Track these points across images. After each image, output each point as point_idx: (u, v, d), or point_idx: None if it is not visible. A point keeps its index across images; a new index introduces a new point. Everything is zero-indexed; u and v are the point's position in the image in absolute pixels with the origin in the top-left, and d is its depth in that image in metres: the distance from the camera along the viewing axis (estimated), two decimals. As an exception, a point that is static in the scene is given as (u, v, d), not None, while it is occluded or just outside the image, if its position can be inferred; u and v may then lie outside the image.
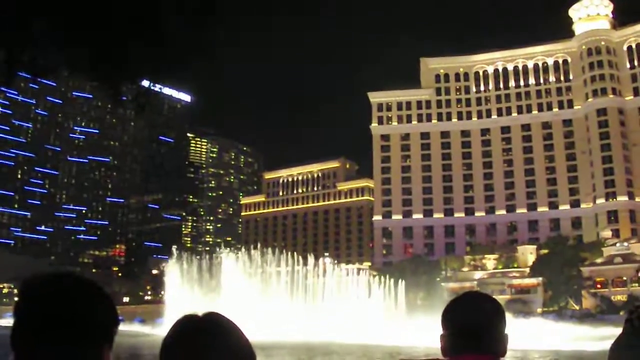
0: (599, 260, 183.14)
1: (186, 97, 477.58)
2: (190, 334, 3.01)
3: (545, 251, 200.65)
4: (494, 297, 4.76)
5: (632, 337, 4.27)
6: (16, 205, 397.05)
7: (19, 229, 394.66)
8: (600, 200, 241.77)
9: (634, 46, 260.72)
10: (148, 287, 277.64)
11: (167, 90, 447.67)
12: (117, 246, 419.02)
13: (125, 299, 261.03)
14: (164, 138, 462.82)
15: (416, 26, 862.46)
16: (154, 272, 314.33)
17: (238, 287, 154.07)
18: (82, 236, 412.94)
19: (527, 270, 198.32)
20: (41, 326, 2.76)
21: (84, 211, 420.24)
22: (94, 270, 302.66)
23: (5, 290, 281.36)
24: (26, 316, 2.85)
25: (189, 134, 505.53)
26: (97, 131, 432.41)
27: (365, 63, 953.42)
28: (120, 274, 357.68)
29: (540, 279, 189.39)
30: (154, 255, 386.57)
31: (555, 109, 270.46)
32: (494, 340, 4.44)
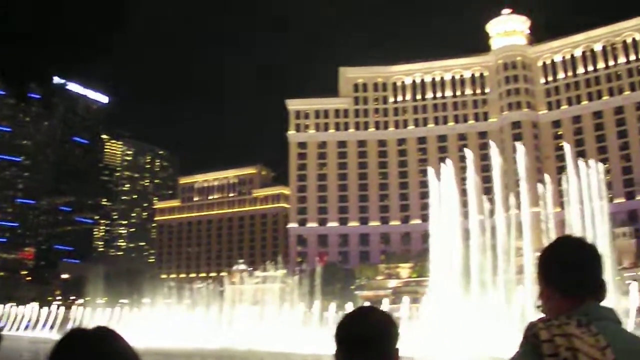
0: (511, 270, 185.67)
1: (103, 98, 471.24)
2: (75, 349, 2.93)
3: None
4: (385, 310, 4.71)
5: (528, 355, 4.18)
6: None
7: None
8: (513, 211, 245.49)
9: (548, 62, 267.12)
10: (57, 292, 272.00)
11: (83, 91, 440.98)
12: (26, 249, 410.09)
13: (33, 304, 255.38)
14: (78, 139, 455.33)
15: (336, 35, 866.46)
16: (65, 276, 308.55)
17: (154, 294, 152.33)
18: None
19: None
20: None
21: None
22: (1, 274, 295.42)
23: None
24: None
25: (104, 136, 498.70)
26: (9, 129, 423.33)
27: (284, 69, 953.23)
28: (29, 278, 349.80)
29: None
30: (65, 259, 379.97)
31: (471, 121, 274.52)
32: (382, 354, 4.43)
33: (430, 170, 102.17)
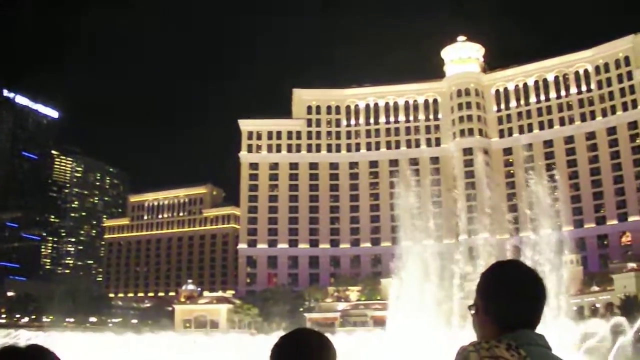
0: (461, 295, 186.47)
1: (53, 113, 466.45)
2: None
3: (406, 285, 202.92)
4: (322, 333, 4.69)
5: None
6: None
7: None
8: (463, 237, 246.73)
9: (501, 90, 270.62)
10: (2, 310, 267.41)
11: (32, 105, 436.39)
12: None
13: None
14: (26, 154, 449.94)
15: (290, 57, 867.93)
16: (10, 294, 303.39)
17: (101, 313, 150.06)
18: None
19: (390, 302, 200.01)
20: None
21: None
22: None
23: None
24: None
25: (53, 152, 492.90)
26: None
27: (237, 88, 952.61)
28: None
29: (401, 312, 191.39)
30: (11, 276, 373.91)
31: (424, 146, 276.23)
32: None
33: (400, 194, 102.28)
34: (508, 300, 4.73)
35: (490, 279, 4.89)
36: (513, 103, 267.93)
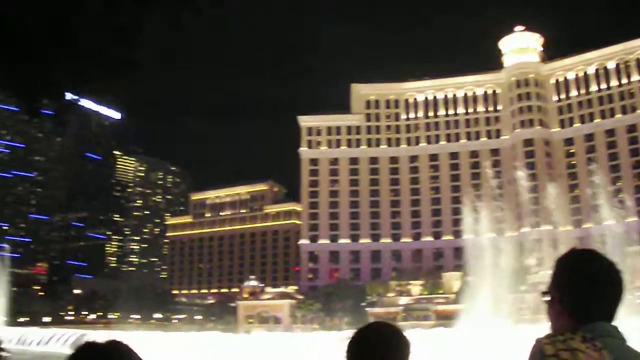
0: (523, 288, 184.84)
1: (115, 115, 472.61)
2: None
3: (470, 278, 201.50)
4: (396, 326, 4.72)
5: None
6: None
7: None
8: (526, 229, 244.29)
9: (561, 79, 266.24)
10: (70, 307, 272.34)
11: (95, 107, 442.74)
12: (39, 264, 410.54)
13: (47, 319, 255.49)
14: (91, 155, 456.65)
15: (349, 51, 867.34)
16: (77, 291, 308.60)
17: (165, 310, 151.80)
18: (2, 253, 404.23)
19: (453, 296, 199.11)
20: None
21: (5, 227, 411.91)
22: (14, 289, 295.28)
23: None
24: None
25: (116, 152, 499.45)
26: (22, 145, 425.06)
27: (296, 85, 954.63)
28: (41, 293, 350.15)
29: (465, 305, 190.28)
30: (77, 274, 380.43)
31: (483, 138, 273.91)
32: None
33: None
34: (585, 291, 4.55)
35: (567, 269, 4.70)
36: (573, 92, 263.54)
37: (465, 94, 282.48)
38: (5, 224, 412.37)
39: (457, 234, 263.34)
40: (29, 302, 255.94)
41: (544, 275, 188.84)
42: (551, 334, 4.08)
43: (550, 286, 4.73)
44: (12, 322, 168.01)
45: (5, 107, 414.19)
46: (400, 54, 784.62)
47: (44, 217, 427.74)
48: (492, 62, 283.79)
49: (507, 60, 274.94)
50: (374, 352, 4.41)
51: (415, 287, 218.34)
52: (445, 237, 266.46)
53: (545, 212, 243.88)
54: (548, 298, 4.75)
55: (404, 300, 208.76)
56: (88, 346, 3.09)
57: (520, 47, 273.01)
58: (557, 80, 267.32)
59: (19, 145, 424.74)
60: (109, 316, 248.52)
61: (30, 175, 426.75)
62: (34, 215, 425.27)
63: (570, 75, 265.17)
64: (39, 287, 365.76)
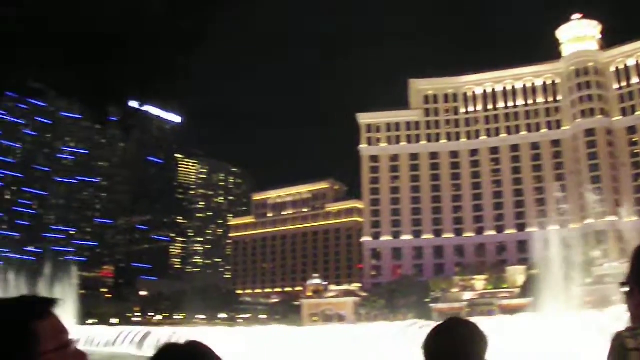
0: (588, 280, 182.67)
1: (176, 118, 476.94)
2: None
3: (535, 272, 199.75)
4: (473, 321, 4.77)
5: None
6: (4, 226, 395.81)
7: (7, 250, 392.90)
8: (590, 220, 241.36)
9: (621, 67, 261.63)
10: (136, 309, 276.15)
11: (156, 111, 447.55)
12: (106, 267, 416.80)
13: (114, 321, 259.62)
14: (153, 159, 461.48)
15: (405, 46, 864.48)
16: (143, 293, 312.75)
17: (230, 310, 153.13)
18: (70, 257, 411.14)
19: (517, 291, 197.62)
20: None
21: (72, 232, 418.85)
22: (82, 292, 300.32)
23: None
24: None
25: (178, 155, 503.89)
26: (86, 151, 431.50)
27: (354, 82, 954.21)
28: (108, 296, 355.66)
29: (531, 299, 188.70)
30: (143, 277, 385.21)
31: (544, 130, 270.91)
32: None
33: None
34: None
35: None
36: (634, 80, 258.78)
37: (524, 85, 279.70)
38: (72, 229, 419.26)
39: (520, 227, 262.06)
40: (97, 305, 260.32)
41: (610, 267, 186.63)
42: (632, 327, 3.96)
43: (628, 277, 4.50)
44: (81, 323, 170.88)
45: (69, 114, 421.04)
46: (455, 48, 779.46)
47: (109, 221, 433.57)
48: (550, 51, 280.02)
49: (566, 49, 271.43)
50: (454, 346, 4.45)
51: (479, 282, 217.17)
52: (508, 231, 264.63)
53: (609, 202, 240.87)
54: (627, 289, 4.51)
55: (467, 295, 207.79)
56: (168, 347, 3.13)
57: (579, 35, 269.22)
58: (617, 68, 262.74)
59: (82, 151, 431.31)
60: (175, 317, 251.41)
61: (94, 180, 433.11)
62: (99, 220, 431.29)
63: (631, 62, 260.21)
64: (106, 290, 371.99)
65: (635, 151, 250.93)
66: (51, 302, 3.03)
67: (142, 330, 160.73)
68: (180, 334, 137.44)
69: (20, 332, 2.85)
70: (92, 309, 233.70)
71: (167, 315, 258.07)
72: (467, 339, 4.50)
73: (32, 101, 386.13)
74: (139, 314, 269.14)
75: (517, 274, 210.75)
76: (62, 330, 3.01)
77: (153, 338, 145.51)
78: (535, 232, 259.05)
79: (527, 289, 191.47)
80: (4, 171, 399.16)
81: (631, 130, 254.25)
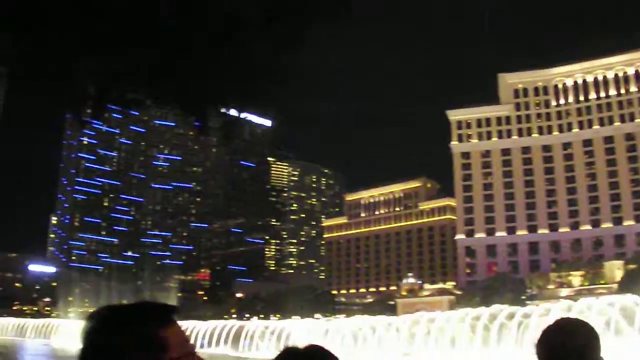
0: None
1: (266, 122, 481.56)
2: None
3: (634, 266, 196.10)
4: (586, 321, 4.85)
5: None
6: (103, 232, 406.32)
7: (107, 255, 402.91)
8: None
9: None
10: (233, 310, 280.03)
11: (249, 116, 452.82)
12: (202, 270, 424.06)
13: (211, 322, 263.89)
14: (245, 163, 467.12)
15: (493, 41, 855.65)
16: (239, 295, 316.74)
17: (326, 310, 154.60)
18: (167, 261, 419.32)
19: (615, 286, 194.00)
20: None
21: (168, 237, 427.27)
22: (179, 295, 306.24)
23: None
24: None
25: (269, 158, 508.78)
26: (179, 158, 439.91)
27: (444, 80, 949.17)
28: (205, 298, 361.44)
29: (630, 295, 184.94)
30: (239, 279, 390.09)
31: (638, 120, 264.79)
32: None
33: None
34: None
35: None
36: None
37: (616, 75, 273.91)
38: (168, 234, 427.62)
39: (617, 221, 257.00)
40: (195, 307, 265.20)
41: None
42: None
43: None
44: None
45: (163, 122, 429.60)
46: (540, 41, 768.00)
47: (204, 225, 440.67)
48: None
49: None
50: (574, 343, 4.52)
51: (576, 278, 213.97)
52: (604, 225, 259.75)
53: None
54: None
55: (564, 292, 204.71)
56: (288, 351, 3.20)
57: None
58: None
59: (176, 157, 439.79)
60: (271, 318, 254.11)
61: (188, 185, 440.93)
62: (195, 224, 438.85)
63: None
64: (202, 292, 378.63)
65: None
66: (173, 308, 3.09)
67: (236, 324, 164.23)
68: (272, 327, 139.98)
69: (150, 339, 2.89)
70: (190, 312, 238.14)
71: (263, 316, 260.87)
72: (587, 338, 4.58)
73: (127, 111, 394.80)
74: (235, 316, 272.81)
75: (614, 269, 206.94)
76: (186, 338, 3.03)
77: (247, 334, 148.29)
78: (633, 225, 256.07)
79: (625, 284, 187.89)
80: (101, 179, 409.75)
81: None
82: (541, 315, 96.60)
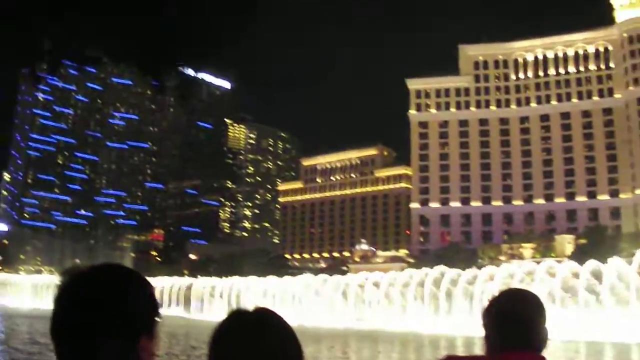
0: (638, 251, 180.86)
1: (225, 84, 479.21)
2: (240, 329, 3.02)
3: (584, 241, 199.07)
4: (532, 291, 4.90)
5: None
6: (57, 190, 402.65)
7: (60, 214, 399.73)
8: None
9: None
10: (186, 272, 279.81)
11: (206, 77, 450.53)
12: (156, 231, 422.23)
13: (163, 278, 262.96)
14: (202, 124, 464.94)
15: (454, 12, 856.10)
16: (192, 257, 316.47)
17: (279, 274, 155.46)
18: (121, 221, 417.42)
19: (565, 260, 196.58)
20: (80, 321, 2.76)
21: (123, 196, 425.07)
22: (132, 255, 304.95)
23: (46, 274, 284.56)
24: (62, 308, 2.84)
25: (227, 120, 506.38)
26: (136, 117, 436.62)
27: (404, 49, 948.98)
28: (158, 259, 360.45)
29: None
30: (193, 240, 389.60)
31: (595, 97, 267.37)
32: (537, 335, 4.56)
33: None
34: None
35: None
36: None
37: (576, 52, 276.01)
38: (123, 193, 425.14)
39: (570, 196, 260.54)
40: (148, 268, 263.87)
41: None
42: None
43: None
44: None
45: (120, 81, 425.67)
46: (506, 13, 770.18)
47: (159, 186, 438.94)
48: (603, 17, 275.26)
49: (619, 15, 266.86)
50: (522, 311, 4.57)
51: (527, 250, 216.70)
52: (557, 200, 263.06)
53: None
54: None
55: (515, 263, 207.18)
56: (237, 314, 3.14)
57: (632, 0, 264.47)
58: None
59: (133, 117, 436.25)
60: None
61: (144, 145, 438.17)
62: (150, 184, 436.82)
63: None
64: (156, 253, 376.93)
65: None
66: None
67: (186, 281, 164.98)
68: (221, 286, 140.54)
69: (152, 297, 3.07)
70: (143, 272, 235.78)
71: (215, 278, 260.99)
72: (534, 308, 4.63)
73: (84, 68, 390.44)
74: (188, 276, 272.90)
75: (565, 243, 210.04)
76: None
77: (197, 291, 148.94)
78: (585, 201, 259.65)
79: (575, 258, 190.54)
80: (56, 136, 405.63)
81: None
82: (485, 280, 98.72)
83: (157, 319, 3.01)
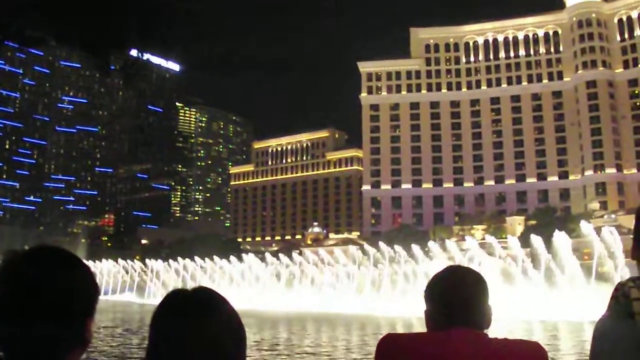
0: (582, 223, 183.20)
1: (175, 67, 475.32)
2: (181, 308, 3.00)
3: (534, 222, 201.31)
4: (474, 269, 4.76)
5: (617, 314, 4.06)
6: (4, 176, 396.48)
7: (7, 200, 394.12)
8: (589, 172, 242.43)
9: (624, 18, 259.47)
10: (137, 257, 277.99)
11: (155, 60, 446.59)
12: (106, 216, 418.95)
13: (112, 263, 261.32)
14: (152, 107, 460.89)
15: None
16: (144, 241, 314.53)
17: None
18: (71, 206, 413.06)
19: (516, 240, 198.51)
20: (19, 302, 2.74)
21: (72, 181, 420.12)
22: (83, 241, 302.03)
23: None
24: (4, 292, 2.80)
25: (177, 104, 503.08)
26: (85, 101, 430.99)
27: (355, 31, 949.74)
28: (109, 244, 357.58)
29: (529, 249, 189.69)
30: (143, 225, 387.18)
31: (545, 81, 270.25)
32: (479, 312, 4.47)
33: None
34: None
35: None
36: (638, 32, 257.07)
37: (526, 36, 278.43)
38: (72, 178, 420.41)
39: (520, 177, 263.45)
40: (98, 253, 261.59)
41: (608, 219, 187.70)
42: (636, 277, 3.96)
43: (634, 230, 4.32)
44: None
45: (68, 63, 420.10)
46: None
47: (109, 170, 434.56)
48: (553, 2, 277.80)
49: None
50: (465, 287, 4.50)
51: (478, 232, 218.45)
52: (507, 181, 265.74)
53: (609, 155, 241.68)
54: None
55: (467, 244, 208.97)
56: (176, 293, 3.12)
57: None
58: (620, 19, 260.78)
59: (82, 100, 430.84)
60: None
61: (94, 129, 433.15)
62: (99, 169, 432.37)
63: (634, 14, 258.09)
64: (106, 238, 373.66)
65: (637, 104, 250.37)
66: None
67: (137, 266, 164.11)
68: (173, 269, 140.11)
69: (93, 279, 3.00)
70: (94, 258, 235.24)
71: (167, 263, 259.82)
72: (476, 285, 4.54)
73: (31, 50, 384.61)
74: (140, 262, 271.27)
75: (516, 224, 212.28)
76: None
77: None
78: (535, 182, 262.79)
79: (525, 239, 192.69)
80: (3, 121, 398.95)
81: (633, 82, 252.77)
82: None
83: (96, 302, 3.02)
